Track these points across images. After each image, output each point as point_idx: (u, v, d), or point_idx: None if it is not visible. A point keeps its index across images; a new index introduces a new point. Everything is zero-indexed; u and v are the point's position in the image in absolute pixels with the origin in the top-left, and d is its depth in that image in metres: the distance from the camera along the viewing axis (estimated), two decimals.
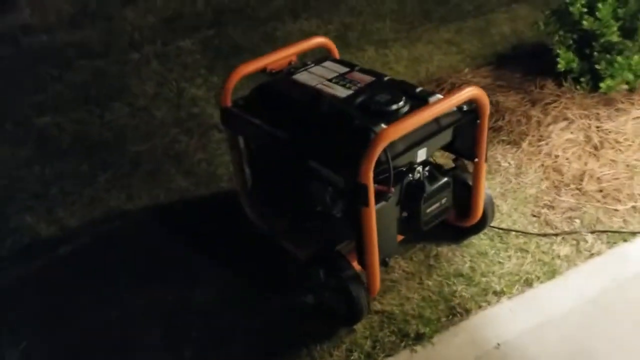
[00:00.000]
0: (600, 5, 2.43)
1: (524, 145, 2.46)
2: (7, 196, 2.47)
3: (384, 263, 1.84)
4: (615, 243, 2.03)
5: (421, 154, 1.73)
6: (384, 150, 1.56)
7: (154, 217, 2.30)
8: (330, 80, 1.90)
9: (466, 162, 1.94)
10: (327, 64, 2.01)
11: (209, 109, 2.96)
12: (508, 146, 2.49)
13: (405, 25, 3.69)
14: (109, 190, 2.45)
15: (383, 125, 1.61)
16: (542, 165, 2.37)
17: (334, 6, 4.00)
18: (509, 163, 2.41)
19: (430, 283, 1.93)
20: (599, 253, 2.00)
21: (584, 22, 2.48)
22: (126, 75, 3.33)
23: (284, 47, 2.05)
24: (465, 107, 1.79)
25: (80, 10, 4.19)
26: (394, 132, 1.55)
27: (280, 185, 1.99)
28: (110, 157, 2.65)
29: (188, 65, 3.41)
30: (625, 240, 2.03)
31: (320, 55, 2.09)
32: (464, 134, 1.83)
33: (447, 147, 1.90)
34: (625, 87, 2.61)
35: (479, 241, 2.06)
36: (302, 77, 1.93)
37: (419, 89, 1.79)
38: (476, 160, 1.86)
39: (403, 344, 1.75)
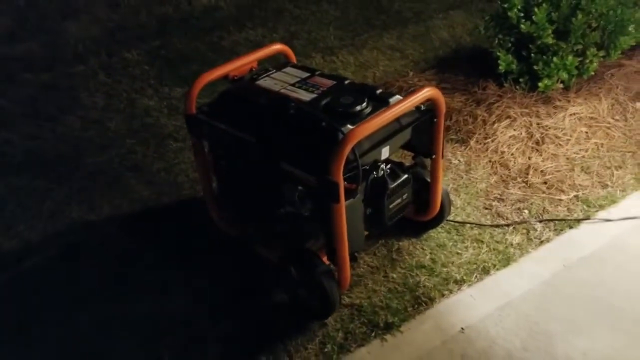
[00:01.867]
0: (536, 9, 2.60)
1: (472, 143, 2.60)
2: None
3: (352, 258, 1.92)
4: (562, 230, 2.18)
5: (385, 152, 1.82)
6: (352, 149, 1.65)
7: (118, 226, 2.31)
8: (293, 84, 1.97)
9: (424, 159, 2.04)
10: (288, 69, 2.09)
11: (162, 118, 2.98)
12: (457, 144, 2.62)
13: (349, 32, 3.80)
14: (68, 203, 2.44)
15: (349, 126, 1.69)
16: (490, 161, 2.51)
17: (278, 15, 4.08)
18: (459, 160, 2.54)
19: (394, 276, 2.02)
20: (548, 240, 2.14)
21: (522, 26, 2.65)
22: (74, 88, 3.30)
23: (244, 54, 2.11)
24: (422, 107, 1.90)
25: (20, 24, 4.12)
26: (360, 132, 1.64)
27: (247, 189, 2.04)
28: (66, 171, 2.63)
29: (136, 76, 3.42)
30: (571, 227, 2.19)
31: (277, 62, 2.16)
32: (422, 132, 1.93)
33: (406, 146, 2.00)
34: (561, 85, 2.79)
35: (438, 234, 2.18)
36: (265, 82, 2.00)
37: (379, 91, 1.88)
38: (434, 157, 1.97)
39: (373, 334, 1.83)
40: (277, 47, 2.22)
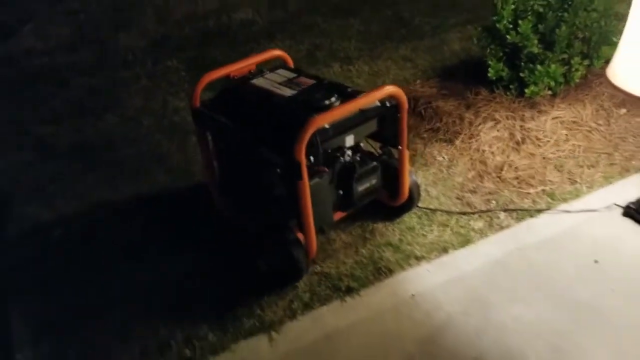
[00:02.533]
0: (520, 22, 2.84)
1: (457, 142, 2.86)
2: (13, 191, 2.85)
3: (321, 230, 2.22)
4: (522, 219, 2.40)
5: (349, 140, 2.12)
6: (315, 135, 1.96)
7: (136, 205, 2.68)
8: (280, 83, 2.29)
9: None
10: (280, 71, 2.42)
11: (188, 117, 3.35)
12: (444, 144, 2.88)
13: (369, 44, 4.10)
14: (97, 185, 2.83)
15: (315, 115, 2.00)
16: (471, 158, 2.76)
17: (307, 29, 4.44)
18: (443, 157, 2.80)
19: (364, 251, 2.30)
20: (507, 226, 2.37)
21: (508, 37, 2.89)
22: (118, 91, 3.74)
23: (245, 58, 2.46)
24: (388, 103, 2.19)
25: (79, 36, 4.63)
26: (322, 120, 1.95)
27: (239, 173, 2.38)
28: (99, 159, 3.04)
29: (173, 82, 3.82)
30: (531, 216, 2.41)
31: (276, 65, 2.49)
32: (389, 125, 2.22)
33: (376, 137, 2.29)
34: (549, 92, 3.01)
35: (410, 219, 2.44)
36: (258, 81, 2.34)
37: (350, 89, 2.19)
38: (399, 147, 2.25)
39: (335, 296, 2.11)
40: (276, 52, 2.55)
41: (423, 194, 2.55)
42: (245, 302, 2.10)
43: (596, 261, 2.15)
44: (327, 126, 2.01)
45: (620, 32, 2.71)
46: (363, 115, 2.13)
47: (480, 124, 2.89)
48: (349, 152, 2.16)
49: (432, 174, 2.69)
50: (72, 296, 2.21)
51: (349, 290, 2.12)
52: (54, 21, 4.87)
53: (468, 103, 3.04)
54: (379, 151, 2.32)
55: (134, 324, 2.06)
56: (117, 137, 3.26)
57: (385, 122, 2.20)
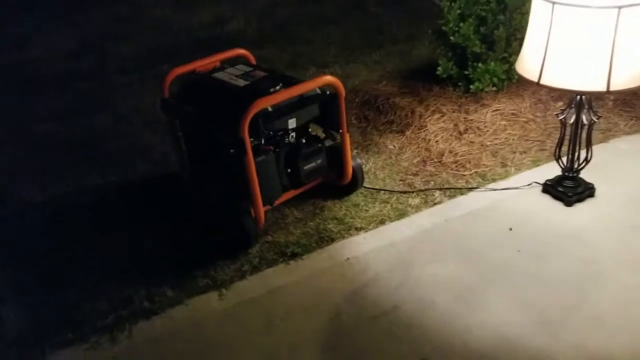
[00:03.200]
0: (462, 24, 3.16)
1: (408, 133, 3.17)
2: (13, 177, 3.21)
3: (270, 203, 2.54)
4: (454, 196, 2.70)
5: (292, 123, 2.44)
6: (257, 116, 2.28)
7: (119, 189, 3.02)
8: (237, 76, 2.62)
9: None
10: (239, 66, 2.75)
11: None
12: (396, 134, 3.19)
13: (347, 51, 4.43)
14: (88, 174, 3.18)
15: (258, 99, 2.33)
16: (418, 147, 3.06)
17: (292, 38, 4.78)
18: (394, 146, 3.11)
19: (312, 224, 2.61)
20: (440, 202, 2.67)
21: (452, 38, 3.21)
22: (113, 94, 4.10)
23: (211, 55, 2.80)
24: (328, 92, 2.51)
25: (84, 46, 5.04)
26: (263, 103, 2.28)
27: (202, 156, 2.71)
28: (91, 151, 3.39)
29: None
30: (462, 194, 2.71)
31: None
32: (330, 112, 2.54)
33: (320, 123, 2.61)
34: (494, 88, 3.31)
35: (356, 197, 2.75)
36: (218, 75, 2.67)
37: (295, 79, 2.51)
38: (340, 131, 2.57)
39: (281, 260, 2.42)
40: (239, 51, 2.89)
41: (372, 177, 2.86)
42: (202, 266, 2.41)
43: (510, 229, 2.44)
44: (270, 109, 2.33)
45: None
46: (304, 101, 2.45)
47: (429, 116, 3.20)
48: (293, 134, 2.48)
49: (382, 160, 3.00)
50: (52, 261, 2.54)
51: (294, 255, 2.43)
52: (61, 33, 5.30)
53: (421, 99, 3.35)
54: (331, 134, 2.63)
55: (104, 282, 2.38)
56: (108, 133, 3.60)
57: (327, 109, 2.52)
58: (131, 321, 2.19)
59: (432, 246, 2.40)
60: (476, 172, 2.81)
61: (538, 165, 2.81)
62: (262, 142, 2.37)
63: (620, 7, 2.02)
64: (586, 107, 2.37)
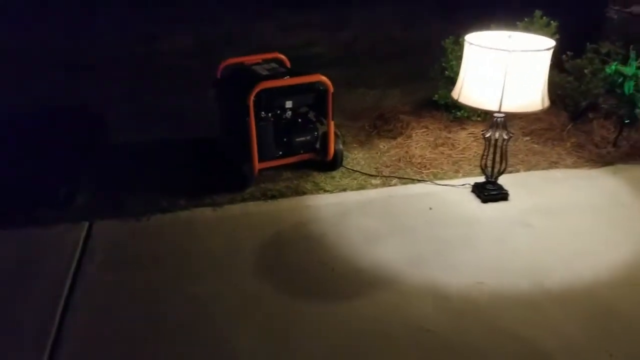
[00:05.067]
0: (454, 62, 4.03)
1: (398, 139, 4.05)
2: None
3: (265, 159, 3.52)
4: (406, 184, 3.56)
5: (288, 103, 3.43)
6: (260, 92, 3.32)
7: (177, 140, 4.16)
8: (266, 69, 3.67)
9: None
10: (272, 64, 3.79)
11: None
12: (390, 139, 4.08)
13: (392, 80, 5.37)
14: (165, 130, 4.35)
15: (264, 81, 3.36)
16: (400, 149, 3.94)
17: (356, 65, 5.79)
18: (383, 146, 4.01)
19: (295, 182, 3.55)
20: (394, 185, 3.55)
21: (446, 72, 4.09)
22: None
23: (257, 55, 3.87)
24: (321, 87, 3.50)
25: (197, 45, 6.32)
26: (266, 84, 3.31)
27: (229, 121, 3.76)
28: (173, 117, 4.56)
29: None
30: (412, 184, 3.56)
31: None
32: (321, 103, 3.53)
33: (315, 110, 3.59)
34: (479, 118, 4.14)
35: (336, 173, 3.66)
36: (254, 67, 3.72)
37: (303, 73, 3.51)
38: (327, 119, 3.55)
39: (262, 198, 3.38)
40: (277, 54, 3.94)
41: (355, 163, 3.78)
42: (210, 193, 3.43)
43: (430, 208, 3.27)
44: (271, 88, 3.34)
45: None
46: (299, 89, 3.44)
47: (418, 130, 4.08)
48: (289, 113, 3.48)
49: (370, 154, 3.91)
50: (123, 175, 3.69)
51: (272, 197, 3.41)
52: (182, 36, 6.66)
53: (418, 117, 4.24)
54: (318, 120, 3.60)
55: (145, 190, 3.47)
56: (199, 110, 4.72)
57: (319, 100, 3.51)
58: (153, 212, 3.25)
59: (369, 209, 3.29)
60: (432, 172, 3.65)
61: (480, 174, 3.60)
62: (265, 113, 3.38)
63: (510, 51, 2.86)
64: (501, 127, 3.19)
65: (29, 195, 3.42)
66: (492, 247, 2.91)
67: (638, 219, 3.13)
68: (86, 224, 3.15)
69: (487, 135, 3.22)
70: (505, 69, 2.86)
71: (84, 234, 3.07)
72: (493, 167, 3.28)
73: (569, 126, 4.00)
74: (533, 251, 2.87)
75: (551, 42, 2.94)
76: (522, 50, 2.85)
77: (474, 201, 3.33)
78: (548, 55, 2.89)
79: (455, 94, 3.13)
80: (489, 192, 3.30)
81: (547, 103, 3.01)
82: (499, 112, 2.96)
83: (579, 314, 2.45)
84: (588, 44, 4.13)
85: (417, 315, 2.46)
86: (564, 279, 2.67)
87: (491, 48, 2.88)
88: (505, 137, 3.18)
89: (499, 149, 3.23)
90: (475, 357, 2.25)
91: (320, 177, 3.60)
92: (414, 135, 4.02)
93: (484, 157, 3.29)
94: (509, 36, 3.04)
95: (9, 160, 3.80)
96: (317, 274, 2.72)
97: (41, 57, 5.60)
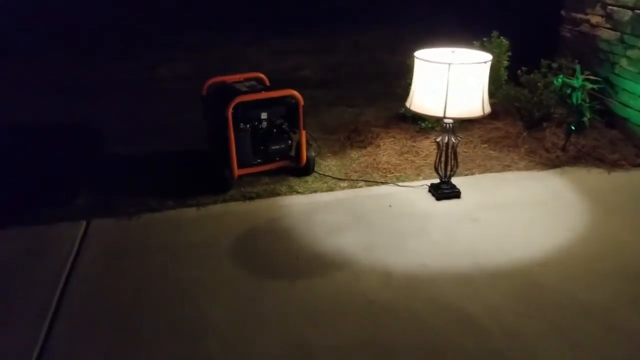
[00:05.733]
0: None
1: (368, 148, 4.47)
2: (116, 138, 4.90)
3: (243, 165, 3.95)
4: (371, 186, 3.96)
5: (264, 115, 3.88)
6: (238, 105, 3.76)
7: (173, 150, 4.60)
8: (245, 86, 4.12)
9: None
10: (252, 81, 4.25)
11: None
12: (361, 148, 4.49)
13: (372, 99, 5.81)
14: (162, 143, 4.80)
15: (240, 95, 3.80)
16: (369, 157, 4.35)
17: (339, 87, 6.25)
18: (354, 155, 4.43)
19: (272, 186, 3.96)
20: (360, 187, 3.97)
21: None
22: None
23: (239, 74, 4.33)
24: (293, 100, 3.95)
25: (194, 71, 6.82)
26: (242, 98, 3.76)
27: (215, 131, 4.19)
28: (168, 133, 5.02)
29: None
30: (377, 186, 3.97)
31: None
32: (293, 114, 3.97)
33: (288, 121, 4.03)
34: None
35: (308, 178, 4.08)
36: (235, 84, 4.17)
37: (276, 91, 3.96)
38: (298, 129, 3.98)
39: (242, 199, 3.79)
40: (257, 74, 4.39)
41: (327, 169, 4.19)
42: (194, 195, 3.85)
43: (390, 205, 3.68)
44: (246, 101, 3.79)
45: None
46: (273, 102, 3.89)
47: (387, 140, 4.51)
48: (265, 124, 3.92)
49: (342, 162, 4.32)
50: (121, 175, 4.13)
51: (250, 198, 3.82)
52: (182, 62, 7.17)
53: (387, 129, 4.67)
54: (291, 130, 4.04)
55: (139, 197, 3.90)
56: (180, 122, 5.22)
57: (291, 112, 3.95)
58: (143, 212, 3.67)
59: (335, 207, 3.69)
60: (395, 176, 4.06)
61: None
62: (243, 124, 3.82)
63: (449, 64, 3.29)
64: (451, 132, 3.60)
65: (34, 197, 3.84)
66: (439, 236, 3.30)
67: (575, 211, 3.51)
68: (84, 223, 3.55)
69: (438, 140, 3.63)
70: (447, 80, 3.28)
71: (81, 231, 3.48)
72: (445, 169, 3.68)
73: (524, 134, 4.39)
74: (475, 239, 3.25)
75: (488, 56, 3.37)
76: (460, 63, 3.27)
77: (429, 199, 3.72)
78: (485, 67, 3.31)
79: (407, 103, 3.55)
80: (443, 190, 3.70)
81: (487, 110, 3.42)
82: (445, 117, 3.37)
83: (508, 287, 2.83)
84: (542, 60, 4.54)
85: (365, 290, 2.84)
86: (499, 260, 3.05)
87: (434, 62, 3.31)
88: (454, 141, 3.59)
89: (450, 152, 3.62)
90: (412, 321, 2.63)
91: (294, 181, 4.01)
92: (382, 144, 4.43)
93: (437, 159, 3.68)
94: (453, 51, 3.46)
95: (16, 168, 4.24)
96: (284, 260, 3.12)
97: (51, 80, 6.10)
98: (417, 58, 3.41)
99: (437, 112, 3.36)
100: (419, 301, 2.75)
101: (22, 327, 2.64)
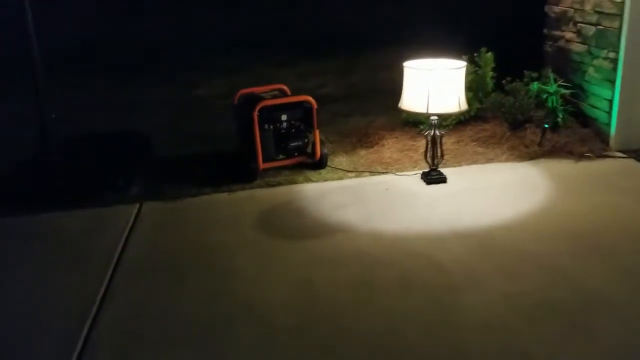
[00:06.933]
0: None
1: (374, 147, 5.27)
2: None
3: (268, 159, 4.80)
4: (374, 176, 4.76)
5: (284, 116, 4.73)
6: (263, 108, 4.63)
7: (207, 150, 5.48)
8: (270, 95, 4.99)
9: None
10: (275, 91, 5.12)
11: None
12: (368, 147, 5.28)
13: (385, 109, 6.63)
14: (192, 143, 5.70)
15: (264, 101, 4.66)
16: (375, 154, 5.14)
17: (356, 100, 7.09)
18: (363, 153, 5.23)
19: (291, 177, 4.77)
20: (365, 177, 4.76)
21: None
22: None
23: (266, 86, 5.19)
24: (308, 105, 4.79)
25: (231, 89, 7.74)
26: (265, 102, 4.62)
27: (245, 131, 5.06)
28: (195, 135, 5.92)
29: None
30: (379, 175, 4.76)
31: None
32: (308, 116, 4.81)
33: (304, 122, 4.87)
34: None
35: (323, 170, 4.91)
36: (263, 94, 5.06)
37: (294, 97, 4.82)
38: (313, 129, 4.81)
39: (265, 187, 4.62)
40: (281, 85, 5.27)
41: (338, 163, 5.00)
42: (227, 184, 4.70)
43: (387, 189, 4.47)
44: (269, 105, 4.65)
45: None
46: (291, 106, 4.74)
47: (390, 140, 5.30)
48: (285, 124, 4.76)
49: (351, 158, 5.11)
50: (160, 167, 5.01)
51: (272, 186, 4.64)
52: (220, 81, 8.09)
53: (392, 132, 5.46)
54: (307, 129, 4.87)
55: (182, 185, 4.77)
56: (217, 131, 6.10)
57: (306, 114, 4.79)
58: (185, 196, 4.52)
59: (342, 192, 4.47)
60: (395, 168, 4.83)
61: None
62: (267, 125, 4.67)
63: (430, 70, 4.10)
64: (436, 127, 4.39)
65: (99, 185, 4.74)
66: (423, 209, 4.06)
67: (540, 191, 4.23)
68: (137, 205, 4.41)
69: (425, 134, 4.42)
70: (428, 83, 4.09)
71: (135, 210, 4.34)
72: (434, 158, 4.45)
73: (508, 134, 5.13)
74: (452, 211, 4.00)
75: (462, 64, 4.16)
76: (439, 70, 4.07)
77: (420, 184, 4.49)
78: (460, 73, 4.10)
79: (400, 104, 4.36)
80: (432, 176, 4.46)
81: (464, 107, 4.20)
82: (428, 114, 4.16)
83: (470, 242, 3.57)
84: (525, 71, 5.31)
85: (360, 246, 3.61)
86: (468, 225, 3.79)
87: (418, 69, 4.12)
88: (438, 134, 4.37)
89: (437, 144, 4.40)
90: (392, 265, 3.38)
91: (310, 173, 4.81)
92: (386, 144, 5.22)
93: (426, 151, 4.47)
94: (435, 61, 4.27)
95: (86, 163, 5.15)
96: (297, 227, 3.90)
97: (106, 99, 7.10)
98: (406, 67, 4.22)
99: (421, 109, 4.15)
100: (399, 253, 3.51)
101: (92, 273, 3.47)
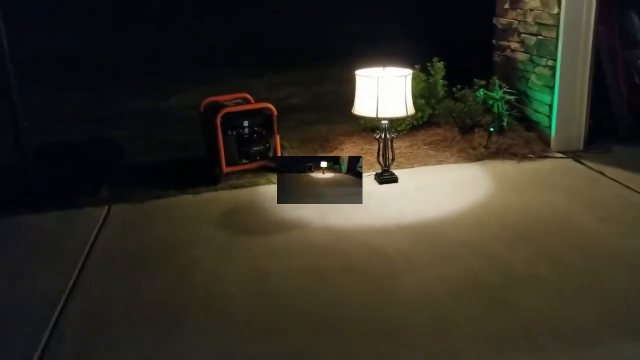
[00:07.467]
0: None
1: (334, 151, 5.60)
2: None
3: (230, 163, 5.09)
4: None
5: (245, 122, 5.03)
6: (225, 114, 4.93)
7: (164, 161, 5.76)
8: (232, 103, 5.29)
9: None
10: (238, 100, 5.43)
11: None
12: (328, 152, 5.63)
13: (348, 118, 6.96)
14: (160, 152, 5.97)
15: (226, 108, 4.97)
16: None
17: (321, 110, 7.43)
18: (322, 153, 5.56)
19: (254, 179, 5.08)
20: None
21: None
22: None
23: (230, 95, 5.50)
24: (269, 111, 5.10)
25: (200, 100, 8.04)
26: (227, 109, 4.92)
27: (209, 138, 5.35)
28: (175, 145, 6.19)
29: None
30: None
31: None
32: (269, 122, 5.12)
33: (266, 128, 5.18)
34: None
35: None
36: (226, 102, 5.36)
37: (256, 104, 5.13)
38: (274, 135, 5.12)
39: (228, 189, 4.90)
40: (244, 94, 5.58)
41: None
42: (192, 186, 4.98)
43: None
44: (231, 112, 4.95)
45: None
46: (253, 113, 5.04)
47: (349, 144, 5.63)
48: (247, 130, 5.06)
49: None
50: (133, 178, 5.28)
51: (235, 188, 4.93)
52: (191, 94, 8.38)
53: (351, 137, 5.79)
54: (268, 135, 5.17)
55: (148, 189, 5.03)
56: (186, 138, 6.37)
57: (267, 120, 5.10)
58: (152, 198, 4.80)
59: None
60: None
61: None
62: (230, 131, 4.97)
63: (378, 77, 4.43)
64: (387, 130, 4.72)
65: (70, 189, 4.99)
66: (376, 207, 4.37)
67: (482, 189, 4.56)
68: (106, 207, 4.67)
69: (377, 137, 4.75)
70: (377, 89, 4.42)
71: (104, 212, 4.60)
72: (385, 159, 4.78)
73: (458, 138, 5.48)
74: (400, 207, 4.31)
75: (408, 72, 4.50)
76: (386, 77, 4.41)
77: (373, 184, 4.81)
78: (405, 80, 4.44)
79: (353, 109, 4.68)
80: (384, 177, 4.79)
81: (411, 111, 4.54)
82: (377, 118, 4.49)
83: (412, 234, 3.88)
84: (475, 79, 5.67)
85: (312, 240, 3.90)
86: (414, 219, 4.10)
87: (368, 76, 4.46)
88: (389, 137, 4.70)
89: (388, 146, 4.73)
90: (339, 254, 3.66)
91: (272, 176, 5.09)
92: (345, 148, 5.54)
93: (378, 152, 4.79)
94: (384, 69, 4.61)
95: (58, 169, 5.40)
96: (256, 225, 4.19)
97: (80, 112, 7.34)
98: (357, 74, 4.55)
99: (371, 113, 4.48)
100: (347, 244, 3.81)
101: (63, 268, 3.72)
